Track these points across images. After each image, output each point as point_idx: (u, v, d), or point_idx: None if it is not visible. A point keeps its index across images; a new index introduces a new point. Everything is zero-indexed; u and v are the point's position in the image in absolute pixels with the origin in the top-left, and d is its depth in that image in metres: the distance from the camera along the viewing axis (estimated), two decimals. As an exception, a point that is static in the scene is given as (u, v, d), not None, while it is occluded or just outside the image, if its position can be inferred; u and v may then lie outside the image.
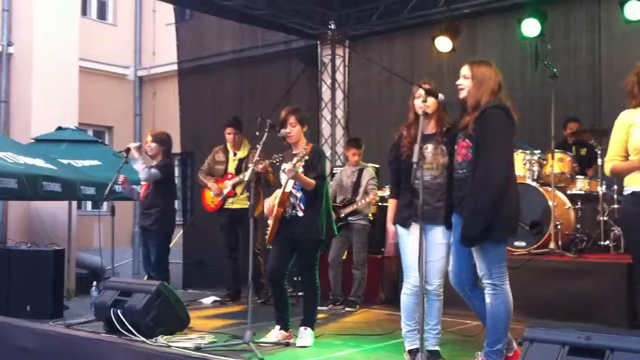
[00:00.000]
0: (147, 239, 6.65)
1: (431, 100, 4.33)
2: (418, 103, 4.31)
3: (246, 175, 5.44)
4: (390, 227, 4.57)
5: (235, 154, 7.38)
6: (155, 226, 6.54)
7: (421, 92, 4.32)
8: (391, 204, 4.60)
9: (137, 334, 5.16)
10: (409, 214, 4.37)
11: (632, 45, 7.74)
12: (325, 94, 10.27)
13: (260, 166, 5.22)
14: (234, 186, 7.23)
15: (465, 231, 4.05)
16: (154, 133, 6.86)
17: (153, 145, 6.64)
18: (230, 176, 7.31)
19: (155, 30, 13.90)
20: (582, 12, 8.33)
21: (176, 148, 9.23)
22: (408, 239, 4.37)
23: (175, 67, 10.46)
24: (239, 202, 7.23)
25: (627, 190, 4.00)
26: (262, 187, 6.87)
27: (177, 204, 10.70)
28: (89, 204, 12.47)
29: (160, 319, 5.33)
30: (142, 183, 6.70)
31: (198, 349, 4.87)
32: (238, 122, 7.45)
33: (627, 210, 4.08)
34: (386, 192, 6.74)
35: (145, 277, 6.67)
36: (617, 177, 4.13)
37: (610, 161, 4.04)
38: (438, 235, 4.39)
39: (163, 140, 6.75)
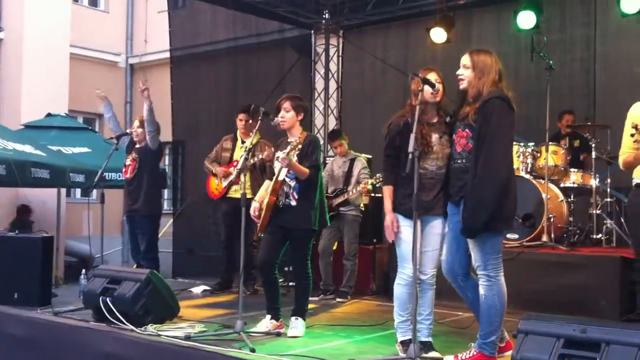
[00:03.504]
0: (135, 226, 6.58)
1: (439, 89, 4.29)
2: (429, 91, 4.25)
3: (239, 164, 5.37)
4: (391, 215, 4.34)
5: (243, 142, 7.31)
6: (142, 210, 6.45)
7: (435, 77, 4.29)
8: (387, 191, 4.40)
9: (126, 322, 5.08)
10: (413, 204, 4.12)
11: (627, 39, 7.74)
12: (319, 83, 10.21)
13: (264, 154, 5.15)
14: (238, 174, 7.15)
15: (468, 223, 4.01)
16: (141, 119, 6.78)
17: (140, 130, 6.57)
18: (235, 164, 7.23)
19: (147, 18, 13.80)
20: (578, 5, 8.33)
21: (167, 136, 9.19)
22: (409, 229, 4.23)
23: (167, 54, 10.34)
24: None
25: (633, 182, 4.01)
26: (268, 176, 6.79)
27: (167, 193, 10.68)
28: (78, 191, 12.39)
29: (149, 307, 5.25)
30: (128, 163, 6.62)
31: (188, 338, 4.79)
32: (250, 110, 7.37)
33: (630, 201, 4.08)
34: (377, 181, 6.68)
35: (135, 266, 6.60)
36: (629, 169, 4.07)
37: (623, 154, 4.03)
38: (437, 225, 4.35)
39: None
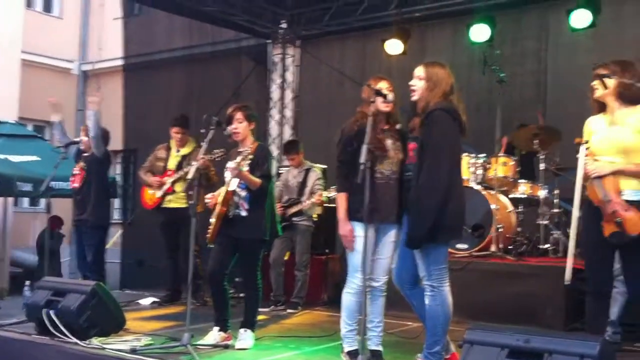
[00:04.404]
0: (83, 237, 6.44)
1: (392, 98, 4.29)
2: (381, 101, 4.24)
3: (189, 173, 5.30)
4: (347, 223, 4.30)
5: (178, 151, 7.22)
6: (90, 220, 6.33)
7: (386, 85, 4.29)
8: (342, 198, 4.36)
9: (70, 335, 4.96)
10: (368, 211, 4.07)
11: (577, 53, 7.88)
12: (275, 93, 10.17)
13: (199, 162, 5.11)
14: (173, 183, 7.06)
15: (410, 234, 4.04)
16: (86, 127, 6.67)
17: (86, 139, 6.46)
18: (170, 173, 7.13)
19: (102, 25, 13.62)
20: (530, 19, 8.46)
21: (119, 145, 9.05)
22: (363, 239, 4.18)
23: (121, 62, 10.21)
24: (177, 201, 7.06)
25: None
26: (203, 185, 6.73)
27: (117, 202, 10.51)
28: (26, 200, 12.11)
29: (94, 320, 5.12)
30: (76, 172, 6.49)
31: (134, 351, 4.71)
32: (185, 121, 7.28)
33: (584, 213, 4.14)
34: (332, 193, 6.67)
35: (81, 277, 6.45)
36: None
37: None
38: (392, 233, 4.36)
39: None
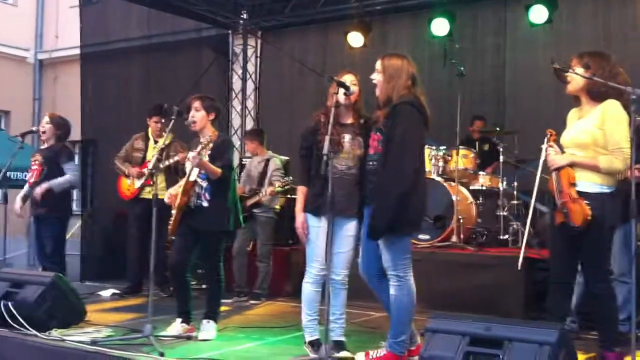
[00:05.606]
0: (42, 228, 6.33)
1: (354, 91, 4.32)
2: (342, 93, 4.26)
3: (150, 163, 5.24)
4: (300, 216, 4.39)
5: (155, 142, 7.14)
6: (51, 213, 6.22)
7: (351, 79, 4.31)
8: (300, 192, 4.44)
9: (29, 327, 4.88)
10: (321, 203, 4.22)
11: (535, 48, 8.04)
12: (236, 84, 10.14)
13: (179, 156, 5.05)
14: (150, 175, 6.99)
15: (372, 225, 4.06)
16: (52, 116, 6.56)
17: (48, 126, 6.35)
18: (149, 164, 7.06)
19: (58, 13, 13.34)
20: (489, 14, 8.58)
21: (77, 135, 8.87)
22: (318, 229, 4.31)
23: (79, 51, 10.00)
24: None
25: None
26: (180, 178, 6.67)
27: (76, 193, 10.30)
28: (-19, 191, 11.80)
29: (54, 311, 5.07)
30: (34, 167, 6.37)
31: (94, 343, 4.65)
32: (163, 110, 7.20)
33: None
34: (284, 185, 6.71)
35: (40, 269, 6.34)
36: None
37: None
38: (349, 227, 4.38)
39: (60, 124, 6.47)
